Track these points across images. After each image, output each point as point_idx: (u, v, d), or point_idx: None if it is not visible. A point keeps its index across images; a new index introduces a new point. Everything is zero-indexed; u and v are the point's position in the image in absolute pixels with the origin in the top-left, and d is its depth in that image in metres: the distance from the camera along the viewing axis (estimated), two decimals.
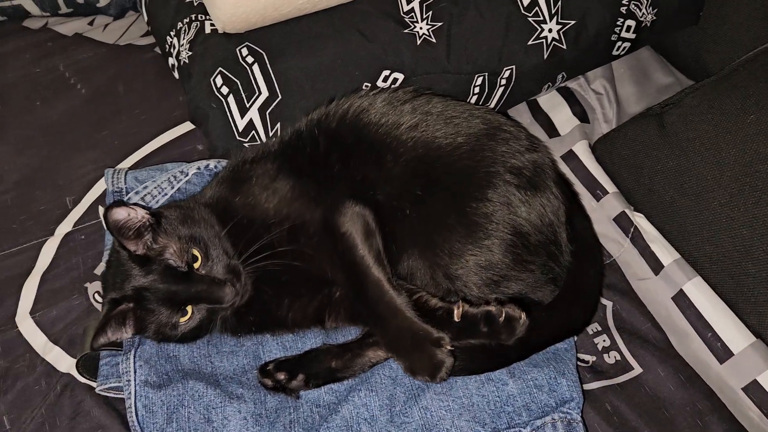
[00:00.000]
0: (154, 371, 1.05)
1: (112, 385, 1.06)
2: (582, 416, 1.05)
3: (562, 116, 1.50)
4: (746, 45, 1.42)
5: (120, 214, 0.96)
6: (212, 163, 1.27)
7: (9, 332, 1.16)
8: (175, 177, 1.25)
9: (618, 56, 1.53)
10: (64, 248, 1.26)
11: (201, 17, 1.36)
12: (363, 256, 1.02)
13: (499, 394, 1.05)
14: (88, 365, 1.09)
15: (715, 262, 1.19)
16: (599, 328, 1.23)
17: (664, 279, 1.22)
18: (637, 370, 1.17)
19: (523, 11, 1.36)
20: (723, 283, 1.18)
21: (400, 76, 1.32)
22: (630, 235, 1.28)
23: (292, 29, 1.31)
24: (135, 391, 1.03)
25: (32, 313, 1.19)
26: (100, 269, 1.22)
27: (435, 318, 1.01)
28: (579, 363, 1.16)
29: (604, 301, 1.26)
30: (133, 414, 1.01)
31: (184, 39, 1.36)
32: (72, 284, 1.22)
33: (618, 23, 1.43)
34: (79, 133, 1.45)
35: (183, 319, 1.00)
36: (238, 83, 1.26)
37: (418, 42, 1.32)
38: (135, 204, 1.02)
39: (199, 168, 1.26)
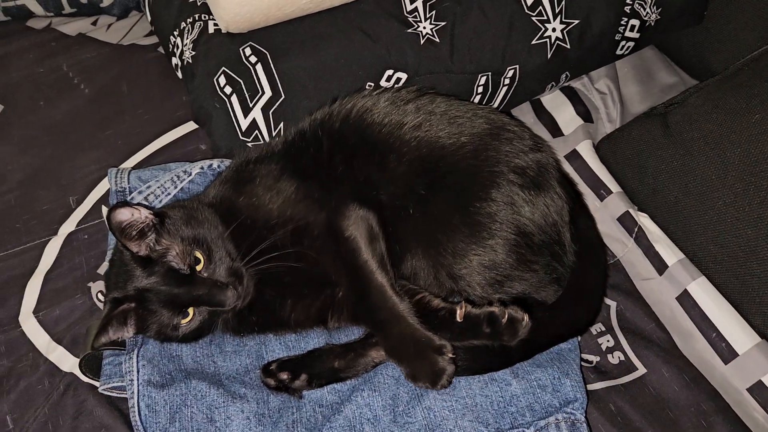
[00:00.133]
0: (157, 371, 1.05)
1: (115, 384, 1.06)
2: (586, 417, 1.05)
3: (566, 116, 1.50)
4: (751, 44, 1.41)
5: (123, 215, 0.96)
6: (215, 162, 1.28)
7: (12, 332, 1.17)
8: (178, 177, 1.25)
9: (622, 56, 1.52)
10: (67, 248, 1.27)
11: (204, 17, 1.36)
12: (366, 260, 1.02)
13: (502, 395, 1.04)
14: (91, 365, 1.09)
15: (720, 262, 1.18)
16: (603, 328, 1.22)
17: (668, 279, 1.22)
18: (642, 370, 1.17)
19: (526, 10, 1.35)
20: (728, 283, 1.17)
21: (404, 76, 1.32)
22: (634, 235, 1.27)
23: (295, 29, 1.31)
24: (138, 390, 1.03)
25: (35, 312, 1.19)
26: (103, 269, 1.22)
27: (437, 318, 1.01)
28: (583, 363, 1.16)
29: (608, 301, 1.26)
30: (136, 413, 1.01)
31: (187, 39, 1.36)
32: (75, 284, 1.22)
33: (622, 22, 1.42)
34: (82, 132, 1.45)
35: (184, 321, 1.00)
36: (242, 83, 1.26)
37: (422, 41, 1.32)
38: (138, 204, 1.02)
39: (202, 168, 1.26)
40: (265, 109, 1.27)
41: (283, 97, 1.27)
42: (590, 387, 1.14)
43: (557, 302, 1.10)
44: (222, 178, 1.16)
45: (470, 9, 1.34)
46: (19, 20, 1.70)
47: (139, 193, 1.23)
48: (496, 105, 1.43)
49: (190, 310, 0.99)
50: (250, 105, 1.27)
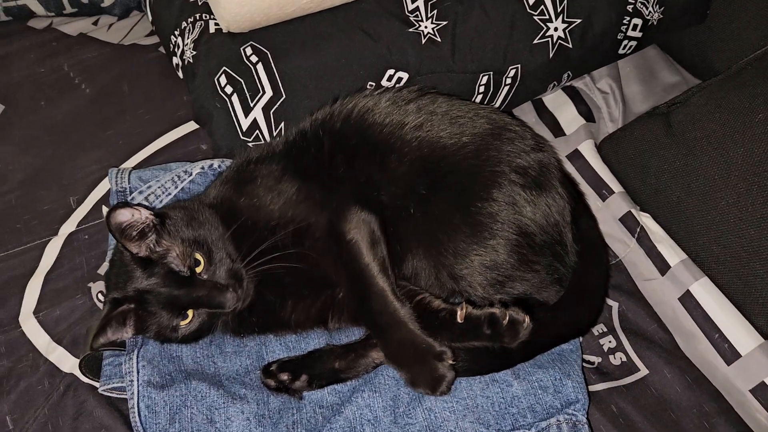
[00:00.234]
0: (157, 371, 1.05)
1: (115, 385, 1.06)
2: (587, 418, 1.04)
3: (568, 115, 1.50)
4: (753, 43, 1.41)
5: (123, 215, 0.96)
6: (216, 162, 1.27)
7: (12, 332, 1.17)
8: (179, 177, 1.25)
9: (624, 55, 1.52)
10: (67, 248, 1.27)
11: (205, 17, 1.36)
12: (368, 264, 1.01)
13: (503, 396, 1.04)
14: (91, 365, 1.08)
15: (723, 262, 1.18)
16: (605, 329, 1.22)
17: (670, 279, 1.21)
18: (644, 371, 1.16)
19: (528, 10, 1.35)
20: (730, 283, 1.17)
21: (405, 76, 1.32)
22: (636, 235, 1.27)
23: (296, 29, 1.31)
24: (138, 391, 1.02)
25: (36, 312, 1.19)
26: (103, 269, 1.22)
27: (438, 319, 1.01)
28: (584, 364, 1.15)
29: (609, 301, 1.25)
30: (136, 414, 1.01)
31: (188, 38, 1.36)
32: (75, 284, 1.22)
33: (624, 22, 1.42)
34: (83, 132, 1.45)
35: (183, 323, 0.99)
36: (243, 82, 1.26)
37: (423, 41, 1.31)
38: (139, 204, 1.02)
39: (203, 168, 1.26)
40: (266, 109, 1.27)
41: (284, 96, 1.27)
42: (592, 388, 1.13)
43: (559, 303, 1.09)
44: (223, 179, 1.16)
45: (472, 8, 1.33)
46: (20, 20, 1.69)
47: (140, 193, 1.23)
48: (497, 105, 1.43)
49: (190, 312, 0.99)
50: (251, 105, 1.26)
